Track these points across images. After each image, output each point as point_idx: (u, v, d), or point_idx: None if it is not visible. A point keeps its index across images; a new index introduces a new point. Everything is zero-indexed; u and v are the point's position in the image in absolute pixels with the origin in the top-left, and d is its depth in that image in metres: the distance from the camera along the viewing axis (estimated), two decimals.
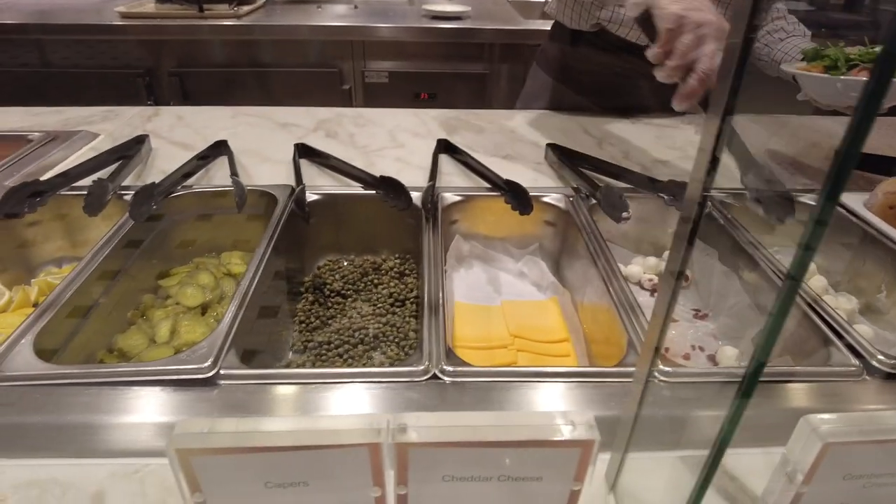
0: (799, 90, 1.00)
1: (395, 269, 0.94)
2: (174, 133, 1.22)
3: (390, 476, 0.44)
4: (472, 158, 1.03)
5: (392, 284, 0.91)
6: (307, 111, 1.37)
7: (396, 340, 0.80)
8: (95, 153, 1.12)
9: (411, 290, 0.88)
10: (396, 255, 0.97)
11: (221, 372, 0.58)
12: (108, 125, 1.27)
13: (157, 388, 0.58)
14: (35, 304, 0.86)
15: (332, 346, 0.79)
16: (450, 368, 0.59)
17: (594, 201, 0.91)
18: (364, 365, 0.77)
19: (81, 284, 0.72)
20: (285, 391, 0.58)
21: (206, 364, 0.58)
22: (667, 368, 0.59)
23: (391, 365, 0.76)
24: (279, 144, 1.16)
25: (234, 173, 0.94)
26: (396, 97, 2.35)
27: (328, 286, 0.90)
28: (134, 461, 0.53)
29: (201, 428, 0.42)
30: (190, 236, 0.94)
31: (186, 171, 0.96)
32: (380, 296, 0.88)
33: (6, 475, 0.52)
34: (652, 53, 0.80)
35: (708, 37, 0.77)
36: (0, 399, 0.57)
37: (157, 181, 0.89)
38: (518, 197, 0.86)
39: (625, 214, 0.81)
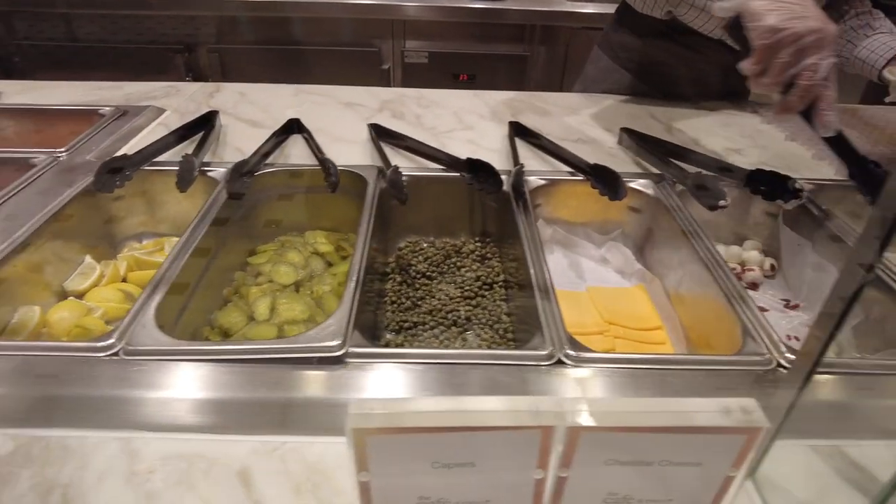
0: (886, 92, 0.98)
1: (477, 253, 0.93)
2: (239, 110, 1.22)
3: (553, 458, 0.45)
4: (549, 141, 1.02)
5: (475, 267, 0.91)
6: (368, 91, 1.36)
7: (490, 323, 0.80)
8: (165, 128, 1.13)
9: (498, 274, 0.88)
10: (476, 239, 0.96)
11: (350, 350, 0.59)
12: (171, 101, 1.26)
13: (287, 366, 0.58)
14: (123, 279, 0.87)
15: (427, 326, 0.79)
16: (573, 353, 0.59)
17: (681, 187, 0.90)
18: (460, 346, 0.77)
19: (185, 262, 0.72)
20: (413, 371, 0.58)
21: (336, 342, 0.58)
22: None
23: (489, 347, 0.76)
24: (348, 124, 1.16)
25: (319, 152, 0.94)
26: (435, 78, 2.33)
27: (413, 267, 0.90)
28: (272, 438, 0.54)
29: (376, 408, 0.42)
30: (275, 215, 0.94)
31: (268, 150, 0.96)
32: (465, 279, 0.88)
33: (151, 447, 0.53)
34: (745, 67, 0.73)
35: (810, 48, 0.69)
36: (134, 373, 0.57)
37: (245, 159, 0.89)
38: (608, 182, 0.85)
39: (722, 202, 0.80)
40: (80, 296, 0.82)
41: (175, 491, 0.49)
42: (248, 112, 1.20)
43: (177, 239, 0.90)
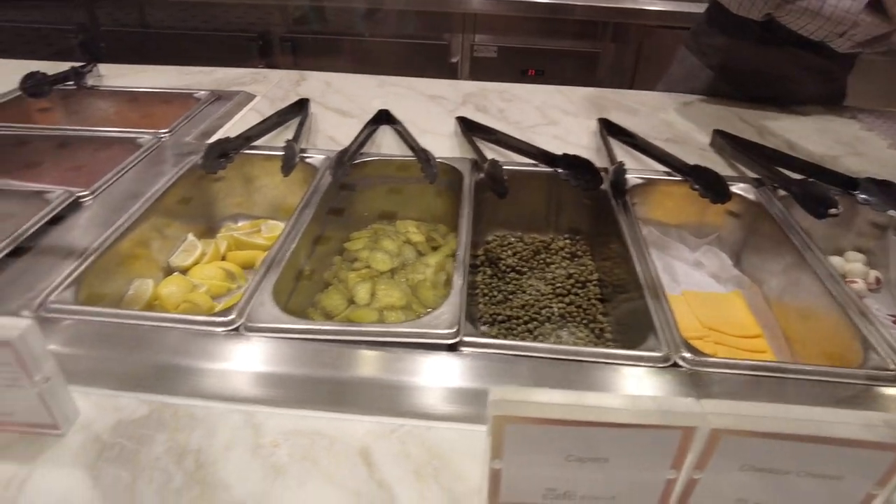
0: None
1: (566, 250, 0.93)
2: (326, 99, 1.24)
3: (687, 460, 0.44)
4: (643, 140, 1.00)
5: (564, 265, 0.90)
6: (450, 84, 1.36)
7: (585, 322, 0.79)
8: (257, 113, 1.16)
9: (591, 273, 0.87)
10: (565, 236, 0.96)
11: (463, 339, 0.59)
12: (259, 87, 1.30)
13: (400, 351, 0.59)
14: (223, 258, 0.90)
15: (521, 321, 0.79)
16: (690, 356, 0.58)
17: (783, 193, 0.87)
18: (555, 343, 0.76)
19: (295, 245, 0.73)
20: (526, 364, 0.58)
21: (451, 330, 0.59)
22: None
23: (585, 346, 0.76)
24: (434, 116, 1.16)
25: (415, 143, 0.94)
26: (503, 73, 2.32)
27: (502, 261, 0.90)
28: (389, 420, 0.55)
29: (519, 397, 0.42)
30: (368, 203, 0.95)
31: (363, 139, 0.97)
32: (555, 275, 0.87)
33: (273, 422, 0.54)
34: None
35: None
36: (254, 348, 0.59)
37: (346, 147, 0.90)
38: (710, 184, 0.83)
39: (833, 211, 0.78)
40: (184, 271, 0.85)
41: (300, 465, 0.51)
42: (335, 101, 1.22)
43: (273, 222, 0.94)
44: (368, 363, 0.58)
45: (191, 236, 0.89)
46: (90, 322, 0.62)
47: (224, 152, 0.88)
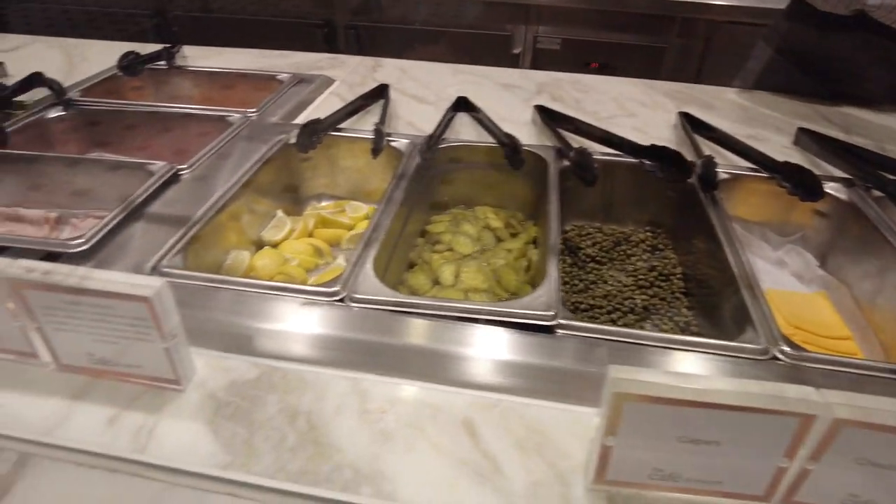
0: None
1: (647, 242, 0.92)
2: (403, 85, 1.26)
3: (802, 449, 0.44)
4: (725, 135, 0.99)
5: (645, 257, 0.90)
6: (522, 73, 1.36)
7: (670, 315, 0.79)
8: (337, 97, 1.18)
9: (675, 266, 0.86)
10: (646, 228, 0.95)
11: (561, 322, 0.60)
12: (336, 72, 1.33)
13: (499, 329, 0.60)
14: (310, 235, 0.93)
15: (604, 311, 0.79)
16: (789, 350, 0.58)
17: (878, 194, 0.85)
18: None
19: (387, 225, 0.75)
20: (622, 350, 0.59)
21: (551, 312, 0.60)
22: None
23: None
24: (509, 104, 1.17)
25: (497, 130, 0.95)
26: (566, 65, 2.29)
27: (582, 251, 0.90)
28: (490, 395, 0.56)
29: (640, 376, 0.43)
30: (449, 188, 0.97)
31: (445, 125, 0.99)
32: (636, 267, 0.87)
33: (378, 389, 0.56)
34: None
35: None
36: (359, 319, 0.62)
37: (432, 133, 0.92)
38: (801, 182, 0.82)
39: None
40: (274, 245, 0.88)
41: (407, 432, 0.53)
42: (412, 88, 1.24)
43: (356, 203, 0.96)
44: (468, 339, 0.60)
45: (280, 212, 0.92)
46: (201, 287, 0.65)
47: (315, 133, 0.91)
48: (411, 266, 0.84)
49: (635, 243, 0.92)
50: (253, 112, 1.04)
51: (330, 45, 2.39)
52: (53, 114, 1.08)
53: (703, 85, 1.33)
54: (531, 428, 0.53)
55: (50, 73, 1.18)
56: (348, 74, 1.31)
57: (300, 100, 1.14)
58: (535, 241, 0.89)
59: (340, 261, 0.86)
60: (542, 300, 0.61)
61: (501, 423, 0.54)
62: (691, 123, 1.06)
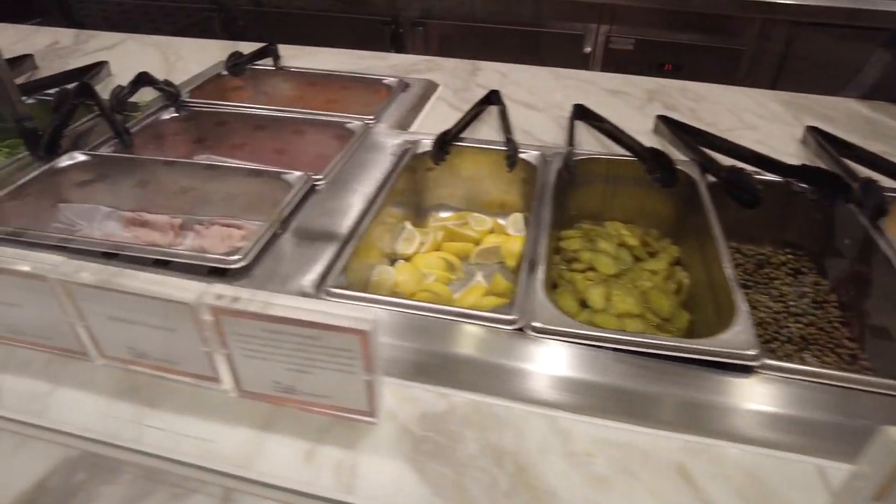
0: None
1: (789, 265, 0.88)
2: (507, 91, 1.22)
3: None
4: (870, 153, 0.94)
5: (788, 281, 0.86)
6: (625, 79, 1.32)
7: (830, 346, 0.75)
8: (445, 103, 1.16)
9: (828, 293, 0.82)
10: (786, 250, 0.91)
11: (766, 362, 0.57)
12: (435, 75, 1.30)
13: (693, 367, 0.57)
14: (437, 248, 0.90)
15: (762, 339, 0.76)
16: None
17: None
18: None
19: (545, 244, 0.73)
20: (830, 394, 0.56)
21: (752, 351, 0.56)
22: None
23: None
24: (621, 112, 1.13)
25: (635, 144, 0.92)
26: (639, 66, 2.24)
27: None
28: (698, 439, 0.53)
29: None
30: (578, 201, 0.93)
31: (572, 135, 0.96)
32: (783, 292, 0.83)
33: (578, 429, 0.54)
34: None
35: None
36: (543, 350, 0.59)
37: (570, 148, 0.89)
38: None
39: None
40: (406, 259, 0.86)
41: (621, 478, 0.50)
42: (517, 94, 1.21)
43: (477, 215, 0.94)
44: (663, 377, 0.57)
45: (408, 225, 0.90)
46: (368, 308, 0.63)
47: (446, 143, 0.88)
48: (554, 286, 0.81)
49: (776, 265, 0.88)
50: (371, 119, 1.02)
51: (397, 43, 2.36)
52: (167, 115, 1.07)
53: (819, 96, 1.27)
54: (750, 476, 0.50)
55: (151, 71, 1.18)
56: (449, 78, 1.28)
57: (410, 106, 1.11)
58: (678, 262, 0.85)
59: (479, 278, 0.83)
60: (741, 337, 0.58)
61: (717, 471, 0.51)
62: (826, 140, 1.01)
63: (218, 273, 0.66)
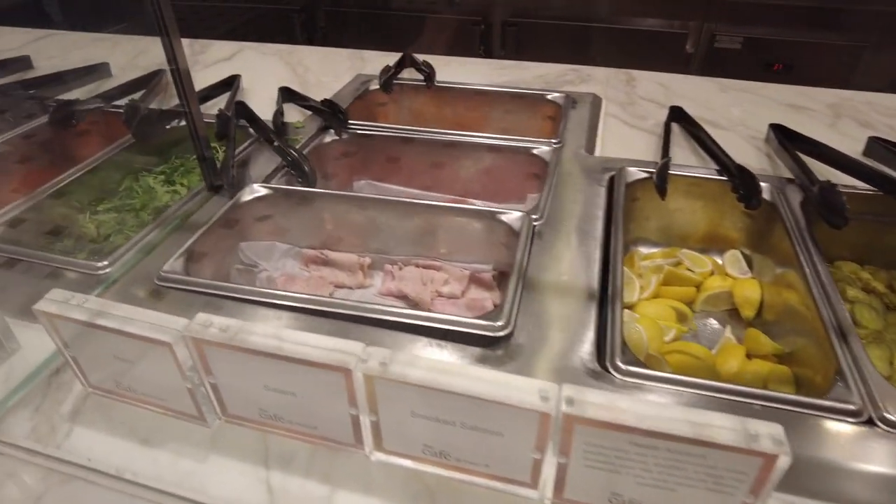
0: None
1: None
2: (678, 104, 1.12)
3: None
4: None
5: None
6: (800, 91, 1.20)
7: None
8: (617, 120, 1.06)
9: None
10: None
11: None
12: (590, 87, 1.19)
13: None
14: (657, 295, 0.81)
15: None
16: None
17: None
18: None
19: (821, 295, 0.63)
20: None
21: None
22: None
23: None
24: (818, 132, 1.02)
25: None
26: (745, 65, 2.12)
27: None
28: None
29: None
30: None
31: (798, 163, 0.85)
32: None
33: None
34: None
35: None
36: None
37: (811, 176, 0.79)
38: None
39: None
40: (628, 307, 0.77)
41: None
42: (691, 108, 1.09)
43: (689, 251, 0.85)
44: None
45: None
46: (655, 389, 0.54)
47: (666, 174, 0.79)
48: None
49: None
50: (556, 143, 0.93)
51: (486, 44, 2.27)
52: (328, 138, 0.99)
53: None
54: None
55: (283, 83, 1.11)
56: (608, 90, 1.18)
57: (586, 124, 1.02)
58: None
59: (728, 334, 0.74)
60: None
61: None
62: None
63: (469, 340, 0.58)
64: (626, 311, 0.75)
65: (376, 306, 0.60)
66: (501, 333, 0.58)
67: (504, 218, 0.75)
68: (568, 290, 0.66)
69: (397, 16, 2.31)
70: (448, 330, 0.59)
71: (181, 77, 0.76)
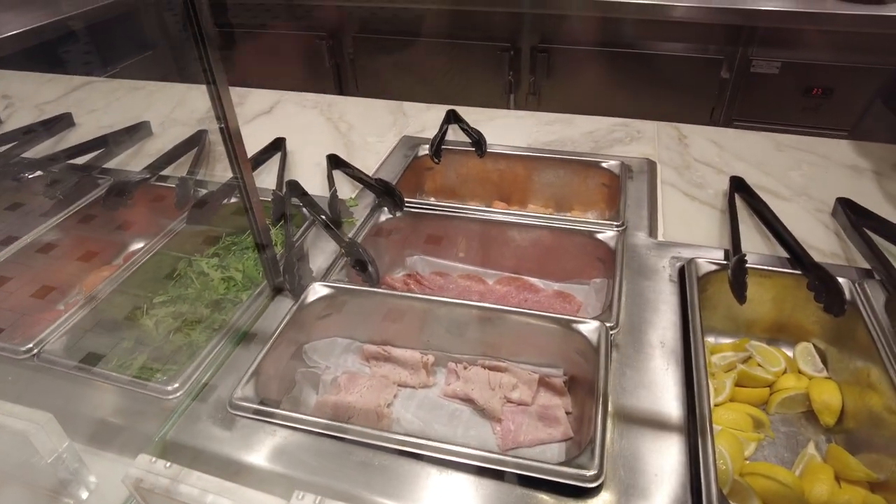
0: None
1: None
2: (733, 169, 1.09)
3: None
4: None
5: None
6: (858, 146, 1.16)
7: None
8: (675, 189, 1.03)
9: None
10: None
11: None
12: (641, 147, 1.16)
13: None
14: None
15: None
16: None
17: None
18: None
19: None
20: None
21: None
22: None
23: None
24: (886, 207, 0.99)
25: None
26: (782, 91, 2.07)
27: None
28: None
29: None
30: None
31: (879, 255, 0.82)
32: None
33: None
34: None
35: None
36: None
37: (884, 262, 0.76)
38: None
39: None
40: None
41: None
42: (748, 174, 1.06)
43: (758, 343, 0.82)
44: None
45: None
46: None
47: (743, 267, 0.77)
48: None
49: None
50: (619, 227, 0.90)
51: (515, 70, 2.24)
52: (382, 217, 0.97)
53: None
54: None
55: (326, 145, 1.09)
56: (660, 151, 1.15)
57: (646, 200, 0.99)
58: None
59: (812, 450, 0.71)
60: None
61: None
62: None
63: (553, 488, 0.56)
64: None
65: (455, 448, 0.59)
66: (592, 485, 0.56)
67: (580, 328, 0.73)
68: (651, 422, 0.64)
69: (426, 42, 2.28)
70: (547, 480, 0.57)
71: (233, 145, 0.69)
